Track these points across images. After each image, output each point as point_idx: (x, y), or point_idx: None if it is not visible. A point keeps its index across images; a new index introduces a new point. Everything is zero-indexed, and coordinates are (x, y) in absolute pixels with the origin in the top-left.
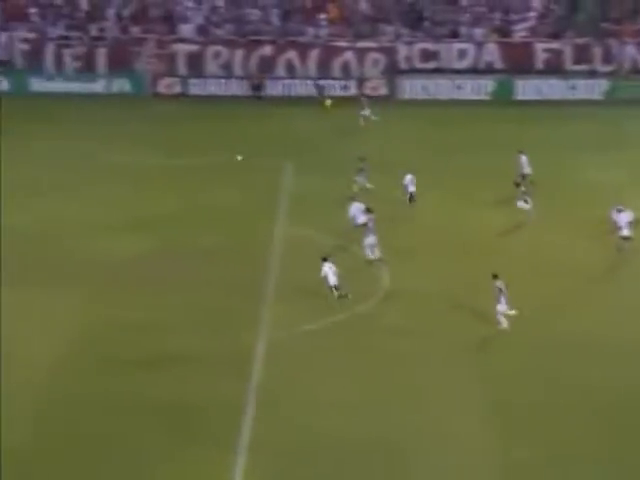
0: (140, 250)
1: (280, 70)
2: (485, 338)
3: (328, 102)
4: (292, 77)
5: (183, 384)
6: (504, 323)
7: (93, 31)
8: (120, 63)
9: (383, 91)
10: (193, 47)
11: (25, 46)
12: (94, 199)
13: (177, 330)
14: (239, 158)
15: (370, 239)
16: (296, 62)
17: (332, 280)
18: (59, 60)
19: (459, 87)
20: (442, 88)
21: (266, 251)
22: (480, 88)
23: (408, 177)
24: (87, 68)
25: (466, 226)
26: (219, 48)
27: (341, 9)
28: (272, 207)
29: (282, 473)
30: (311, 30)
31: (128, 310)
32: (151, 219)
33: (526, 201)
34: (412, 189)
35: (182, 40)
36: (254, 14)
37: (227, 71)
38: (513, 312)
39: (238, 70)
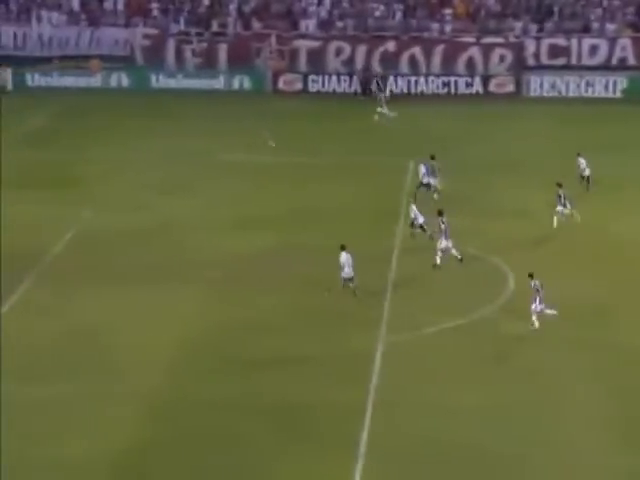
0: (257, 249)
1: (403, 66)
2: (624, 350)
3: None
4: (416, 74)
5: (300, 385)
6: (536, 323)
7: (214, 27)
8: (241, 59)
9: (509, 88)
10: (314, 43)
11: (146, 42)
12: (213, 197)
13: (293, 331)
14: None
15: (443, 243)
16: (420, 58)
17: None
18: (180, 56)
19: (589, 84)
20: (571, 85)
21: (385, 251)
22: (612, 85)
23: (422, 167)
24: (208, 64)
25: (605, 230)
26: (341, 44)
27: (467, 4)
28: (395, 207)
29: (399, 477)
30: (435, 25)
31: (245, 310)
32: (269, 217)
33: (565, 205)
34: (427, 180)
35: (303, 36)
36: (377, 9)
37: (349, 67)
38: (552, 312)
39: (360, 66)
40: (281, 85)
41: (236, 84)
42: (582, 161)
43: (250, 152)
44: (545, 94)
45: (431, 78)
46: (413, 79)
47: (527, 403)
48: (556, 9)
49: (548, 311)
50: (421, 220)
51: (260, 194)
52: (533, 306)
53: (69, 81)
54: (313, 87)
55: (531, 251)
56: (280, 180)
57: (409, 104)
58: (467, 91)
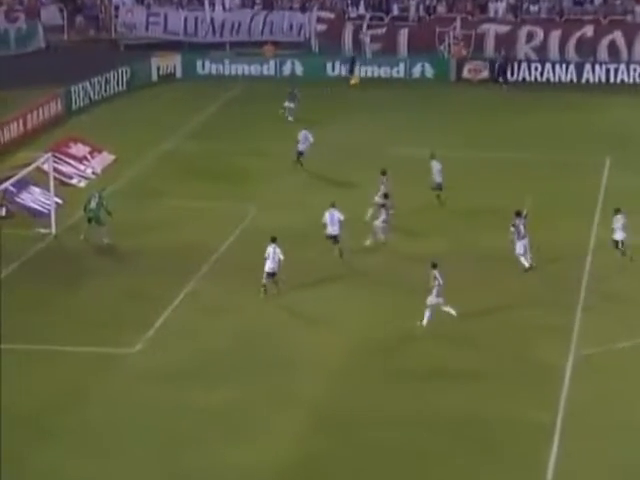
0: (427, 252)
1: (602, 54)
2: None
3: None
4: (616, 62)
5: (481, 400)
6: (425, 319)
7: (395, 11)
8: (422, 46)
9: None
10: (504, 28)
11: (322, 27)
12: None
13: (471, 342)
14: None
15: (519, 244)
16: (621, 44)
17: None
18: (357, 42)
19: None
20: None
21: (577, 257)
22: None
23: (436, 166)
24: (387, 51)
25: None
26: (533, 29)
27: None
28: (590, 208)
29: None
30: (638, 9)
31: (414, 317)
32: (442, 218)
33: None
34: (439, 179)
35: (492, 20)
36: None
37: (541, 54)
38: (449, 309)
39: (554, 54)
40: (466, 73)
41: (417, 72)
42: None
43: (425, 146)
44: None
45: (633, 66)
46: (612, 67)
47: None
48: None
49: (445, 308)
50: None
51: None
52: (429, 298)
53: (241, 69)
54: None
55: None
56: (459, 177)
57: (607, 94)
58: None
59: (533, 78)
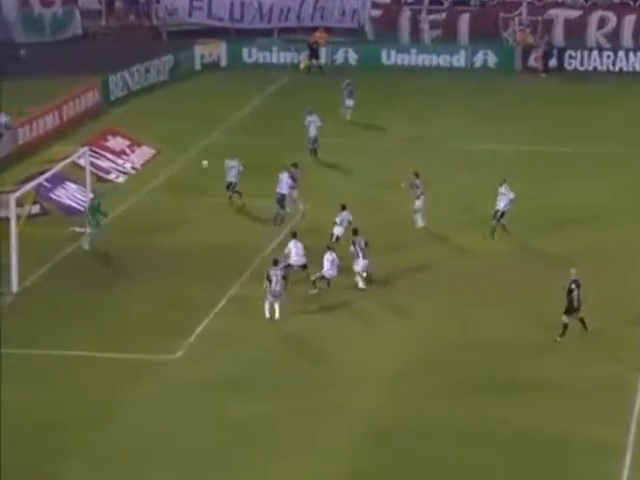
0: (491, 253)
1: None
2: None
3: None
4: None
5: (547, 415)
6: (360, 283)
7: None
8: (485, 32)
9: None
10: (573, 13)
11: (377, 12)
12: (440, 191)
13: (534, 352)
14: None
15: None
16: None
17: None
18: (415, 29)
19: None
20: None
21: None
22: None
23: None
24: (447, 38)
25: None
26: (605, 14)
27: None
28: None
29: None
30: None
31: (476, 325)
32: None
33: None
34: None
35: (560, 4)
36: None
37: (614, 42)
38: (361, 284)
39: (628, 41)
40: (532, 62)
41: (479, 60)
42: None
43: (486, 140)
44: None
45: None
46: None
47: None
48: None
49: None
50: None
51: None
52: (355, 265)
53: (289, 57)
54: (570, 64)
55: None
56: (519, 173)
57: None
58: None
59: (605, 67)
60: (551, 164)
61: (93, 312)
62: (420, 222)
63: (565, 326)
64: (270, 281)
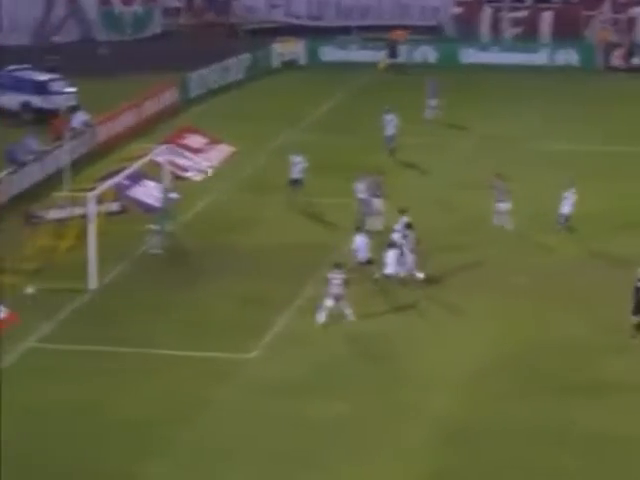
0: (561, 255)
1: None
2: None
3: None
4: None
5: (618, 414)
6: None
7: None
8: (567, 30)
9: None
10: None
11: (458, 10)
12: (518, 194)
13: (607, 352)
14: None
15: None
16: None
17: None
18: (496, 27)
19: None
20: None
21: None
22: None
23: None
24: (528, 36)
25: None
26: None
27: None
28: None
29: None
30: None
31: (548, 326)
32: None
33: None
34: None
35: None
36: None
37: None
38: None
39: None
40: (614, 60)
41: (561, 59)
42: None
43: (566, 140)
44: None
45: None
46: None
47: None
48: None
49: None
50: None
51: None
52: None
53: (368, 55)
54: None
55: None
56: (598, 173)
57: None
58: None
59: None
60: (627, 164)
61: (171, 310)
62: (508, 224)
63: (636, 326)
64: (331, 284)
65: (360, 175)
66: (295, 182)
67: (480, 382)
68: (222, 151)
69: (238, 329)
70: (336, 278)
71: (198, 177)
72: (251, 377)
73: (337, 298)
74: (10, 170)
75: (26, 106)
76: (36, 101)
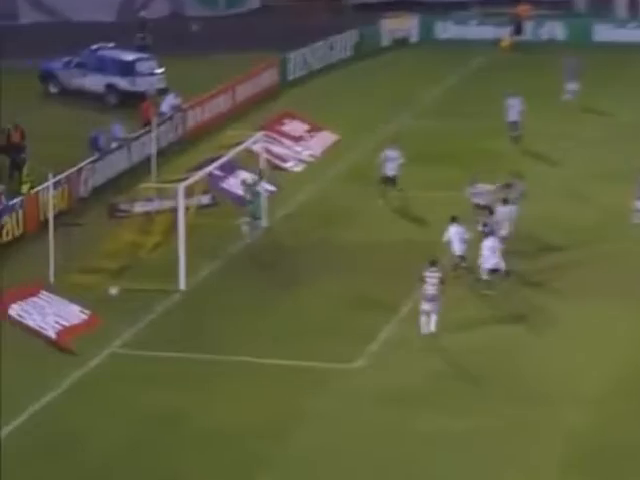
0: None
1: None
2: None
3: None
4: None
5: None
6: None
7: None
8: None
9: None
10: None
11: None
12: None
13: None
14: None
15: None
16: None
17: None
18: (632, 3)
19: None
20: None
21: None
22: None
23: None
24: None
25: None
26: None
27: None
28: None
29: None
30: None
31: None
32: None
33: None
34: None
35: None
36: None
37: None
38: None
39: None
40: None
41: None
42: None
43: None
44: None
45: None
46: None
47: None
48: None
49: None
50: None
51: None
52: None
53: (489, 32)
54: None
55: None
56: None
57: None
58: None
59: None
60: None
61: (266, 313)
62: None
63: None
64: (425, 283)
65: (474, 178)
66: (388, 180)
67: (614, 398)
68: (325, 139)
69: (340, 335)
70: (432, 277)
71: (298, 168)
72: (352, 389)
73: (432, 299)
74: (93, 158)
75: (111, 88)
76: (122, 83)
